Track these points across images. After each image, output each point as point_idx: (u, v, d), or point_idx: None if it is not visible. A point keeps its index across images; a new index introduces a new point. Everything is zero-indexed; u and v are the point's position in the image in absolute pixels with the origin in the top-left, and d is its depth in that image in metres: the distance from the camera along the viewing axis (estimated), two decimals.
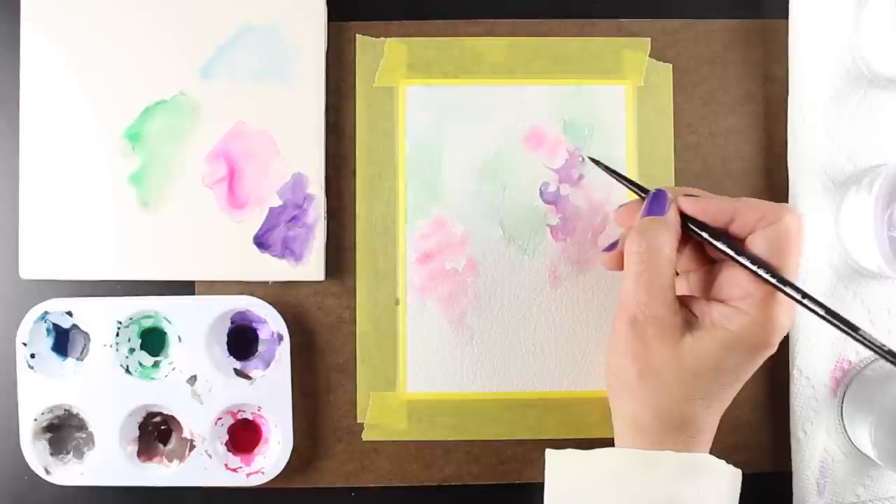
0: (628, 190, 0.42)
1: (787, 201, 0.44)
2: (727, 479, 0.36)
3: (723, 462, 0.36)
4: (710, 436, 0.37)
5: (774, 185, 0.45)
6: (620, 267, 0.38)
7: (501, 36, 0.45)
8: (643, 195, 0.39)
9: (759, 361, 0.35)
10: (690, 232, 0.37)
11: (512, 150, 0.44)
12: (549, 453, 0.39)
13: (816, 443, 0.43)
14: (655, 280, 0.35)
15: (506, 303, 0.44)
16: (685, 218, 0.37)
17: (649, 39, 0.45)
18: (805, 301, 0.34)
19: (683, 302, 0.37)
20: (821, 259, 0.43)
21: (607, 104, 0.45)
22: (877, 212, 0.40)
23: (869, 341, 0.33)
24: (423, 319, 0.44)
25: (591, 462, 0.37)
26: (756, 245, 0.35)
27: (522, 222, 0.44)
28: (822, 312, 0.34)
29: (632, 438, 0.37)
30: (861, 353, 0.43)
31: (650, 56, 0.45)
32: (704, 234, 0.36)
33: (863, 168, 0.43)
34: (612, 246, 0.39)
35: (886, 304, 0.43)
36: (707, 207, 0.36)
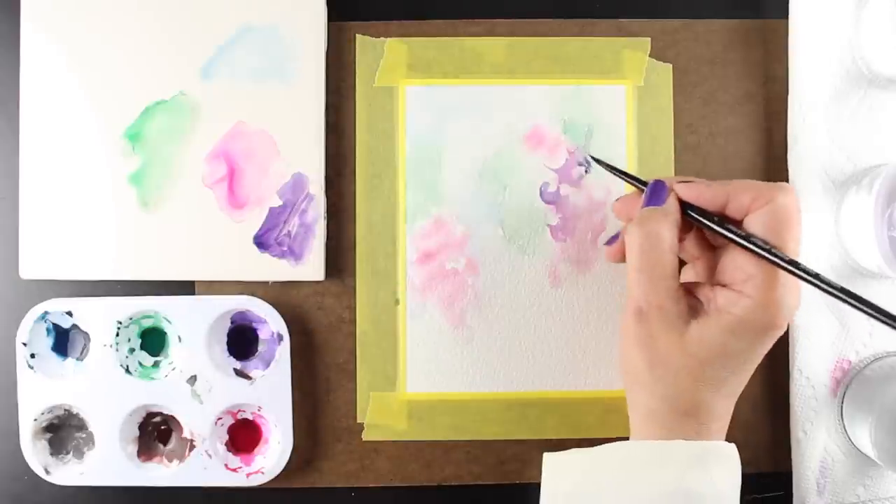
0: (626, 185, 0.42)
1: None
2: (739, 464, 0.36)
3: (733, 445, 0.36)
4: (724, 421, 0.37)
5: None
6: (622, 259, 0.38)
7: (501, 36, 0.45)
8: (642, 188, 0.39)
9: (769, 344, 0.35)
10: (690, 219, 0.37)
11: (512, 150, 0.44)
12: (548, 456, 0.38)
13: (816, 443, 0.43)
14: (657, 269, 0.35)
15: (506, 303, 0.44)
16: (684, 205, 0.37)
17: (649, 39, 0.45)
18: (811, 278, 0.33)
19: (688, 289, 0.37)
20: (821, 259, 0.43)
21: (607, 104, 0.45)
22: (877, 212, 0.40)
23: (887, 316, 0.32)
24: (423, 319, 0.44)
25: (597, 458, 0.37)
26: (753, 226, 0.35)
27: (522, 222, 0.44)
28: (832, 290, 0.33)
29: (645, 428, 0.37)
30: (861, 353, 0.43)
31: (650, 56, 0.45)
32: (703, 220, 0.36)
33: (863, 168, 0.43)
34: (614, 239, 0.39)
35: (886, 304, 0.43)
36: (702, 192, 0.36)
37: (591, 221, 0.44)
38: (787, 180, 0.44)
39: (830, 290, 0.33)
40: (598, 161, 0.43)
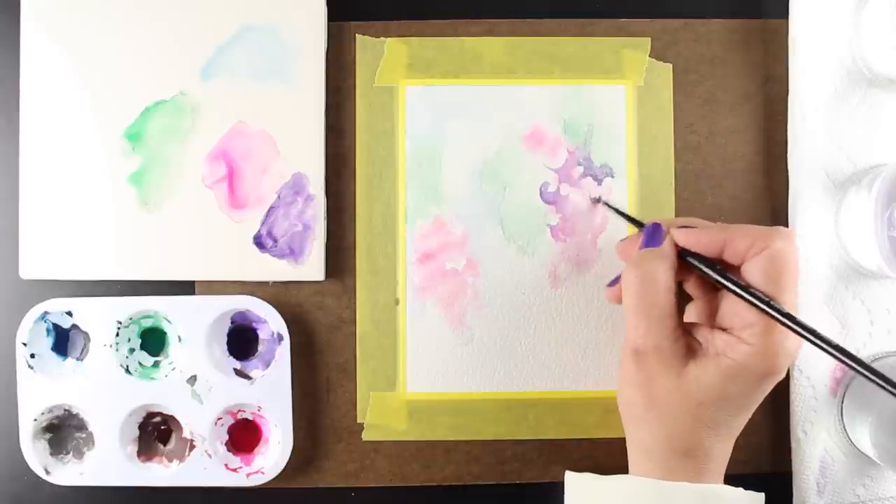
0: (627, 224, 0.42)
1: (787, 201, 0.44)
2: None
3: (741, 490, 0.36)
4: (721, 463, 0.37)
5: (774, 185, 0.45)
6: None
7: (501, 36, 0.45)
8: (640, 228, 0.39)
9: (767, 389, 0.35)
10: (688, 264, 0.37)
11: (512, 150, 0.44)
12: (568, 475, 0.39)
13: (816, 443, 0.43)
14: (653, 310, 0.35)
15: (506, 303, 0.44)
16: (682, 250, 0.37)
17: (649, 39, 0.45)
18: (803, 331, 0.33)
19: (687, 329, 0.37)
20: (821, 259, 0.43)
21: (607, 104, 0.45)
22: (877, 212, 0.40)
23: (874, 373, 0.33)
24: (423, 319, 0.44)
25: (607, 488, 0.37)
26: (751, 273, 0.35)
27: (522, 222, 0.44)
28: (828, 348, 0.33)
29: (643, 465, 0.37)
30: (861, 354, 0.43)
31: (650, 56, 0.45)
32: (701, 266, 0.36)
33: (863, 168, 0.43)
34: (615, 281, 0.39)
35: (886, 304, 0.43)
36: (700, 238, 0.36)
37: (591, 221, 0.44)
38: (787, 180, 0.44)
39: (826, 347, 0.33)
40: (598, 200, 0.43)
